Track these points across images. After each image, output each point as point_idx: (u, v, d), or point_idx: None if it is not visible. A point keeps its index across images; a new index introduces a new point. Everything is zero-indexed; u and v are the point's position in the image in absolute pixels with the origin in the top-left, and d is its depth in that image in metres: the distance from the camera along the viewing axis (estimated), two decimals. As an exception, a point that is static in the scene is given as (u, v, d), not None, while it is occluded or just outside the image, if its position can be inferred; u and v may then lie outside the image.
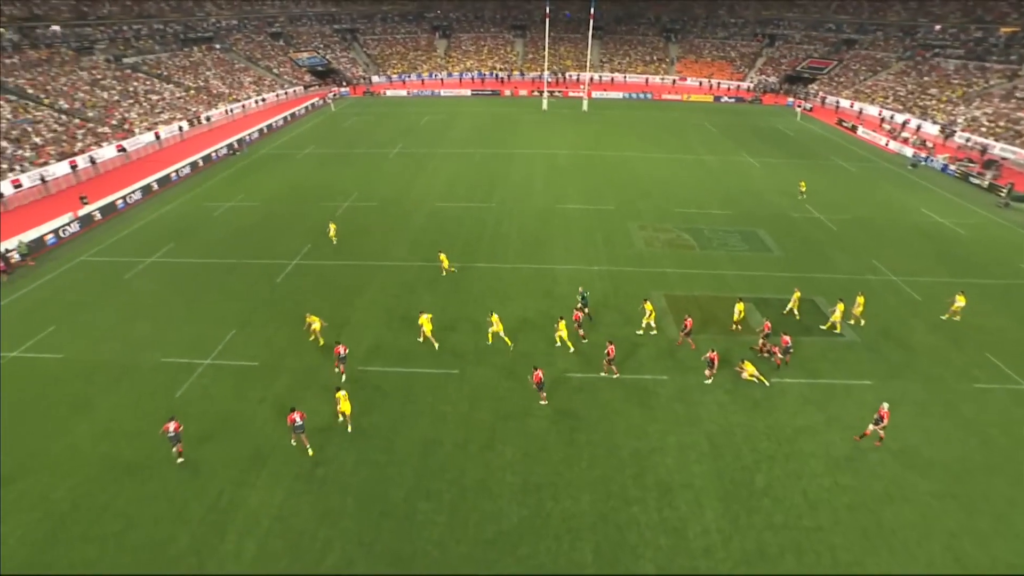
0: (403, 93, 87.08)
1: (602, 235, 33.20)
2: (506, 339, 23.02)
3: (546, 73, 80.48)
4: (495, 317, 22.76)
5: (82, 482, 17.26)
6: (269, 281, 28.18)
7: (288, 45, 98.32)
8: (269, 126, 63.64)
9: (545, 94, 74.24)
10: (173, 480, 17.25)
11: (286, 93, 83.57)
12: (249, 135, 58.58)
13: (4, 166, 43.25)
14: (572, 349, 22.17)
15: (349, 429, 18.90)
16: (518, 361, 22.27)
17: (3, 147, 45.15)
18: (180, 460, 17.60)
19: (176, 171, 45.94)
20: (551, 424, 19.30)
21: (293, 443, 18.09)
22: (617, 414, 19.74)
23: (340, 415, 18.63)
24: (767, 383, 20.96)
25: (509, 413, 19.77)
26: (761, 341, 22.13)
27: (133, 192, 41.05)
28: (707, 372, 21.00)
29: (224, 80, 78.16)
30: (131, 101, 61.23)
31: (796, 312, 24.70)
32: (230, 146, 53.97)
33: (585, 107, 71.45)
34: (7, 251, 30.74)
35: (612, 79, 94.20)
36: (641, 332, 23.68)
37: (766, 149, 53.23)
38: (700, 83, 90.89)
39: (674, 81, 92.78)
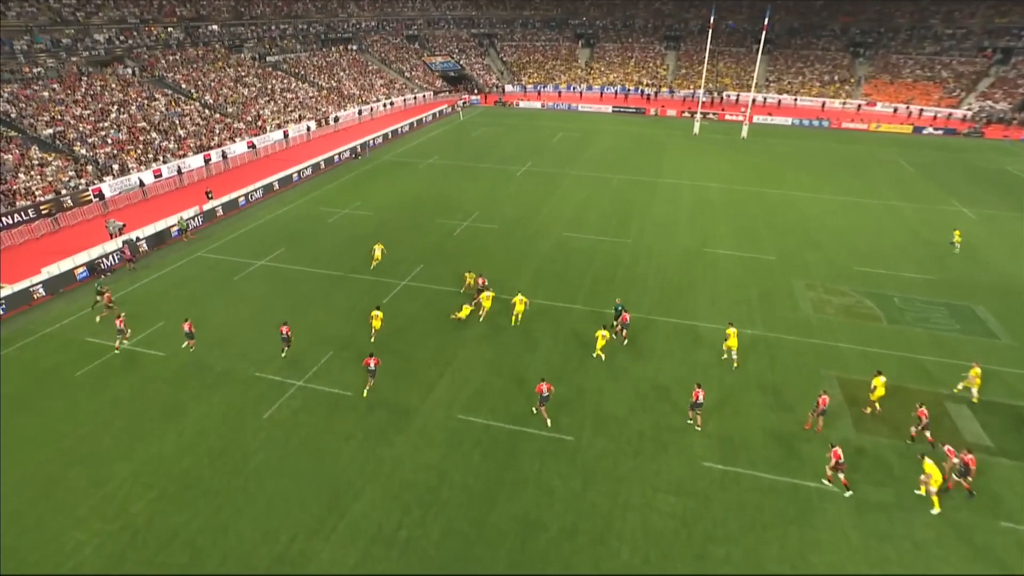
0: (537, 105, 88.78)
1: (758, 291, 30.55)
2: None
3: (701, 91, 77.88)
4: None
5: (160, 497, 17.97)
6: (374, 300, 28.70)
7: (423, 48, 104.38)
8: (395, 131, 67.06)
9: (698, 116, 71.82)
10: (246, 514, 17.43)
11: (415, 98, 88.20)
12: (373, 139, 62.01)
13: (151, 155, 48.90)
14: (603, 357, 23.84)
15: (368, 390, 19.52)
16: (645, 435, 20.53)
17: (153, 138, 51.18)
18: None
19: (299, 172, 49.35)
20: (681, 525, 17.31)
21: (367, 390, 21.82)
22: (767, 527, 17.31)
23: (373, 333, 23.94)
24: (971, 492, 17.71)
25: (630, 502, 18.06)
26: (914, 429, 20.18)
27: (256, 190, 44.49)
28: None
29: (356, 81, 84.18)
30: (267, 98, 67.54)
31: (975, 394, 22.23)
32: (353, 150, 57.25)
33: (744, 133, 68.17)
34: (137, 239, 34.30)
35: (779, 102, 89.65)
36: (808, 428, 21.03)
37: (988, 197, 47.02)
38: (895, 110, 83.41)
39: (859, 107, 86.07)
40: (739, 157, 58.81)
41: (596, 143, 64.01)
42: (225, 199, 42.15)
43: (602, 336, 23.87)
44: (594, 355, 24.29)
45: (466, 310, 26.48)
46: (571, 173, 51.80)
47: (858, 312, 28.54)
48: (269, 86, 70.32)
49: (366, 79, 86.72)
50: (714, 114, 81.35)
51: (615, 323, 25.41)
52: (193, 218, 38.49)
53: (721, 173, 52.54)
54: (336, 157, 54.75)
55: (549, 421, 20.81)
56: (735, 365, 23.85)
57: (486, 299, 26.49)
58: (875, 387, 21.43)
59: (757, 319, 27.84)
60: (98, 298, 27.34)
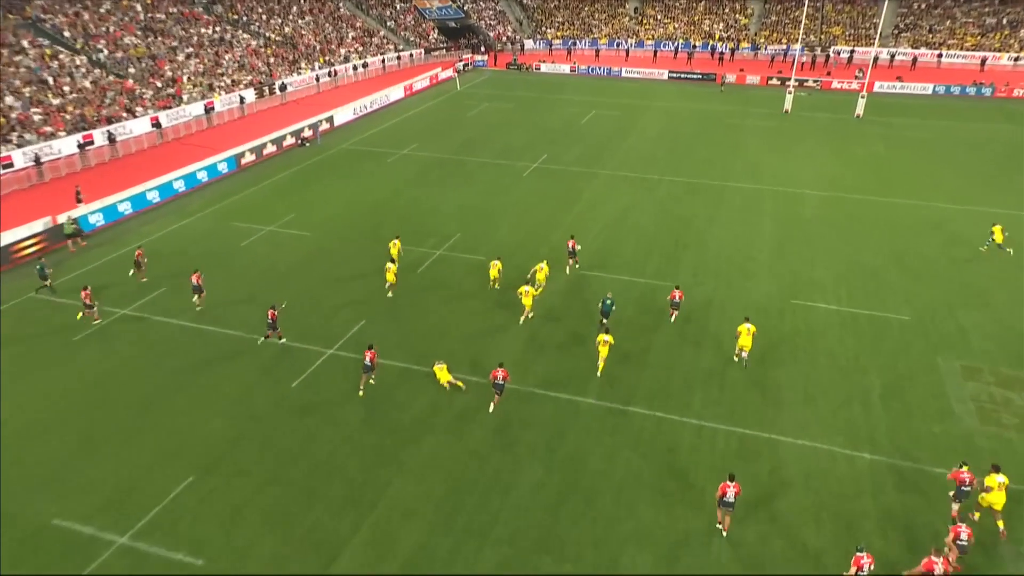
0: (564, 69, 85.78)
1: (881, 379, 25.39)
2: None
3: (797, 47, 72.49)
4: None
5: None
6: (277, 388, 24.51)
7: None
8: (363, 106, 64.06)
9: (791, 84, 66.86)
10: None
11: (399, 58, 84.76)
12: (329, 119, 58.36)
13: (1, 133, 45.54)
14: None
15: None
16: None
17: (9, 107, 47.65)
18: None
19: (211, 166, 45.95)
20: None
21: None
22: None
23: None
24: None
25: None
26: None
27: (148, 192, 41.26)
28: None
29: (318, 32, 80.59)
30: (189, 53, 63.94)
31: None
32: (299, 134, 53.63)
33: (860, 109, 63.73)
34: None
35: (914, 60, 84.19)
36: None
37: None
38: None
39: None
40: (851, 147, 54.48)
41: (642, 126, 60.14)
42: (99, 205, 38.74)
43: (603, 342, 24.87)
44: (598, 374, 25.16)
45: (392, 271, 30.36)
46: (602, 173, 47.97)
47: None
48: (194, 35, 66.85)
49: (333, 28, 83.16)
50: (816, 81, 76.74)
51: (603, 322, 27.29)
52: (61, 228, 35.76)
53: (823, 173, 48.07)
54: (270, 144, 51.33)
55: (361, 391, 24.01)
56: (745, 365, 25.74)
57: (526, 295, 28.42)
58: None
59: (880, 432, 22.72)
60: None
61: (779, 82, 75.60)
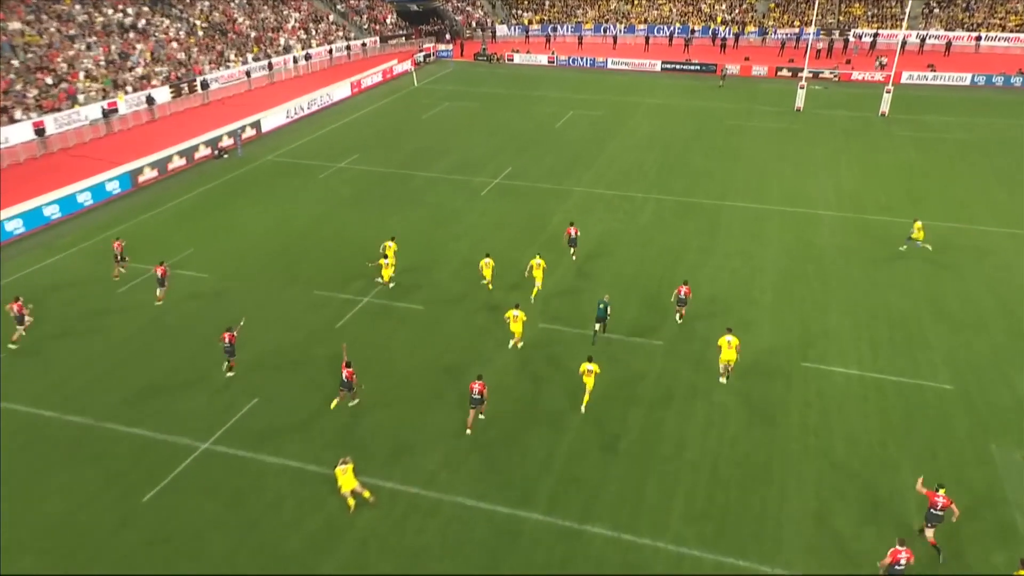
0: (541, 60, 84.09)
1: (918, 470, 22.04)
2: None
3: (811, 31, 69.77)
4: None
5: None
6: (123, 503, 21.04)
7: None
8: (300, 107, 61.63)
9: (804, 75, 64.42)
10: None
11: (348, 48, 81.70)
12: (255, 124, 55.65)
13: None
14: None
15: None
16: None
17: None
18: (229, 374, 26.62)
19: (97, 187, 42.89)
20: None
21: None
22: None
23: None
24: None
25: None
26: None
27: (9, 222, 37.83)
28: None
29: (254, 16, 77.21)
30: (93, 42, 60.50)
31: None
32: (215, 144, 50.51)
33: (885, 105, 61.72)
34: None
35: (948, 45, 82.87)
36: None
37: None
38: None
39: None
40: (876, 153, 52.22)
41: (628, 130, 57.76)
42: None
43: (587, 372, 24.53)
44: (582, 409, 24.87)
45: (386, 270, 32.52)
46: (576, 191, 45.47)
47: None
48: (99, 20, 63.44)
49: (272, 12, 79.72)
50: (833, 72, 74.07)
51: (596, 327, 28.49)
52: None
53: (841, 187, 45.76)
54: (178, 157, 48.51)
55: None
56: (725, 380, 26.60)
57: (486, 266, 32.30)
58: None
59: (918, 561, 19.28)
60: None
61: (790, 73, 73.30)
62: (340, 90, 66.61)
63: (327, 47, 79.63)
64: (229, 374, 26.74)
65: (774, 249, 37.16)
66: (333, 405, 24.56)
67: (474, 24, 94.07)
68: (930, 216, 40.33)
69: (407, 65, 77.46)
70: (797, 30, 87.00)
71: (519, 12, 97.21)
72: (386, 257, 32.58)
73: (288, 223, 40.27)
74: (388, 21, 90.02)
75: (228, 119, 55.52)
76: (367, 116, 61.60)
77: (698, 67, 77.93)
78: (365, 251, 36.28)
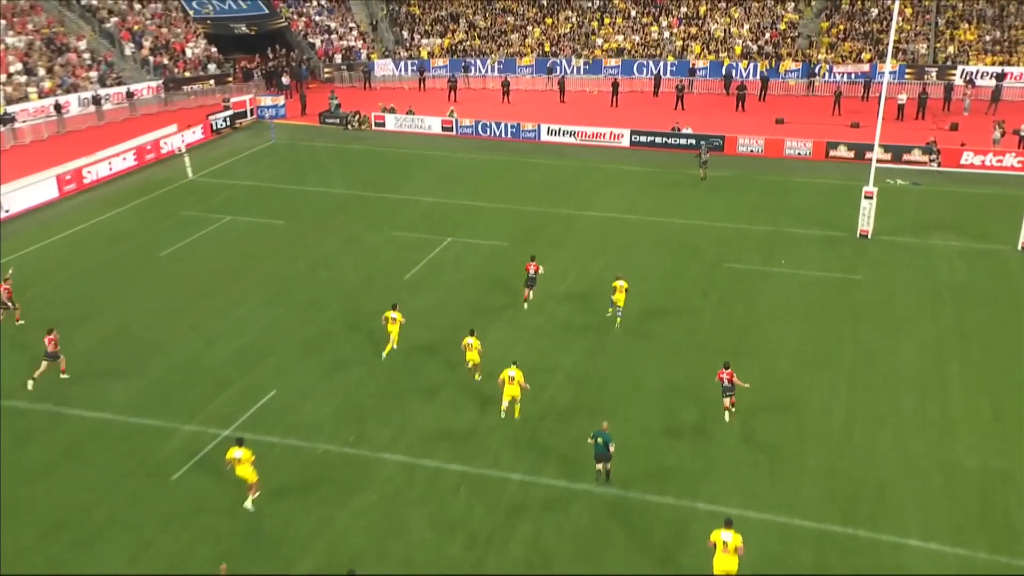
0: (434, 126, 56.77)
1: None
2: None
3: (887, 68, 40.70)
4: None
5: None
6: None
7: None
8: None
9: (874, 163, 37.49)
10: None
11: (97, 101, 55.29)
12: None
13: None
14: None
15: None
16: None
17: None
18: None
19: None
20: None
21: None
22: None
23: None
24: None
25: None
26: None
27: None
28: None
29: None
30: None
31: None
32: None
33: None
34: None
35: None
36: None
37: None
38: None
39: None
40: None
41: (544, 284, 30.80)
42: None
43: (509, 379, 22.83)
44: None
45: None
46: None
47: None
48: None
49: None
50: (930, 151, 45.94)
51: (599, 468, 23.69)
52: None
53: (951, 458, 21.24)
54: None
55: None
56: (617, 323, 28.05)
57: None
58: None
59: None
60: None
61: (851, 153, 47.74)
62: (40, 190, 40.55)
63: (67, 97, 53.20)
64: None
65: None
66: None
67: (338, 58, 68.31)
68: None
69: (184, 138, 50.04)
70: (866, 67, 61.37)
71: (415, 38, 70.59)
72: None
73: None
74: (188, 52, 62.01)
75: None
76: (59, 249, 35.82)
77: (692, 142, 49.93)
78: None
